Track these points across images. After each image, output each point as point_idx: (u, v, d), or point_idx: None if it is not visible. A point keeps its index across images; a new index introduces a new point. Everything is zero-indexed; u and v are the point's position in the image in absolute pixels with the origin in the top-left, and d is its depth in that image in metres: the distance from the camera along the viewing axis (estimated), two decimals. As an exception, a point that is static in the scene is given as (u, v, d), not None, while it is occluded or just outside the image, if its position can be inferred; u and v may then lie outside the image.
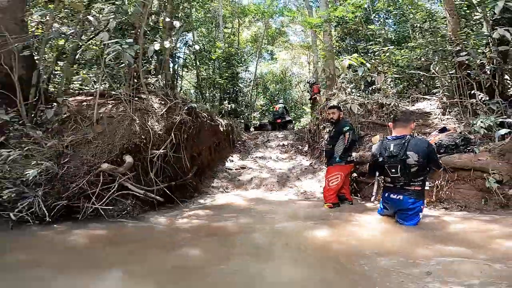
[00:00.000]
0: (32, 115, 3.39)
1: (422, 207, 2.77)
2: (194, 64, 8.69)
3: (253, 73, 13.92)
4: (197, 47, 7.18)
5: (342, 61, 4.39)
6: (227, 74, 9.33)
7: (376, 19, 9.16)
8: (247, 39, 15.56)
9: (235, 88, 10.71)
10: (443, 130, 4.20)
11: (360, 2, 7.00)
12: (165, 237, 2.79)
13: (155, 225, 3.22)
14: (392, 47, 5.96)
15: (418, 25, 7.32)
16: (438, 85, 5.05)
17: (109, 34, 3.50)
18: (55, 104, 3.61)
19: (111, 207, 3.31)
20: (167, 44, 4.01)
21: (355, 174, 4.43)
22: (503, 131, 3.42)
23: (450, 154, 3.62)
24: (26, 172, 2.75)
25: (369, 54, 6.23)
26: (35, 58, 3.77)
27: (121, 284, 1.73)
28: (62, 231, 2.83)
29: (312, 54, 14.04)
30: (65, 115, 3.48)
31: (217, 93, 10.30)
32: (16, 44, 3.27)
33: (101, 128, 3.41)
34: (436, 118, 4.92)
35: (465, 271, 1.67)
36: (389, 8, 9.19)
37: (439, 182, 3.56)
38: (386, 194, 2.88)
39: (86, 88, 4.46)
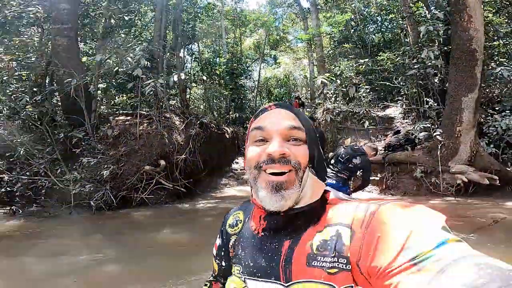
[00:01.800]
0: (94, 133, 5.12)
1: None
2: (201, 79, 10.37)
3: (257, 79, 15.51)
4: (205, 54, 8.75)
5: (316, 79, 5.93)
6: (231, 86, 10.93)
7: (367, 24, 10.56)
8: (250, 46, 17.16)
9: (239, 96, 12.33)
10: (397, 132, 5.66)
11: (341, 17, 8.42)
12: (191, 214, 4.46)
13: (182, 207, 4.91)
14: (367, 59, 7.39)
15: (405, 27, 8.69)
16: (402, 93, 6.46)
17: (142, 69, 5.20)
18: (108, 124, 5.35)
19: (151, 197, 5.01)
20: (182, 75, 5.69)
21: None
22: (422, 134, 4.86)
23: (395, 151, 5.09)
24: (102, 172, 4.47)
25: (351, 58, 7.59)
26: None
27: (176, 234, 3.38)
28: (125, 213, 4.54)
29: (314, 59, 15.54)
30: (117, 132, 5.20)
31: (223, 103, 11.96)
32: (77, 78, 5.00)
33: (143, 142, 5.11)
34: (398, 122, 6.36)
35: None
36: (379, 14, 10.57)
37: (386, 174, 5.04)
38: None
39: (123, 110, 6.19)
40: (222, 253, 0.72)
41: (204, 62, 9.58)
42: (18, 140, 4.39)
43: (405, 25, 8.85)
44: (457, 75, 4.57)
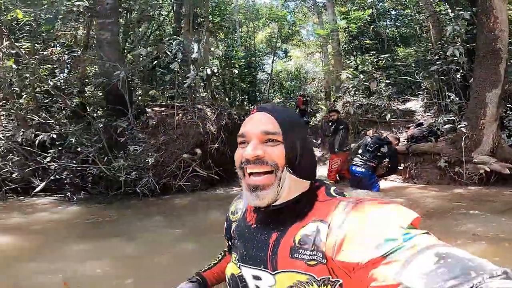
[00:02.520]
0: (136, 123, 5.47)
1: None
2: (220, 72, 10.66)
3: (269, 72, 15.74)
4: (219, 52, 9.02)
5: (340, 75, 6.22)
6: (248, 79, 11.23)
7: (381, 19, 10.73)
8: (262, 40, 17.32)
9: (254, 89, 12.63)
10: (419, 125, 5.98)
11: (362, 14, 8.63)
12: (229, 199, 4.83)
13: (218, 194, 5.28)
14: (387, 55, 7.65)
15: (423, 24, 8.89)
16: (423, 87, 6.74)
17: (178, 63, 5.51)
18: (146, 114, 5.69)
19: (188, 184, 5.37)
20: (214, 69, 5.99)
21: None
22: (447, 126, 5.17)
23: (419, 143, 5.41)
24: (147, 160, 4.83)
25: (372, 53, 7.85)
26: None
27: (212, 216, 3.72)
28: (168, 198, 4.92)
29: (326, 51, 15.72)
30: (155, 122, 5.54)
31: (238, 95, 12.27)
32: (125, 71, 5.32)
33: (180, 131, 5.46)
34: (419, 115, 6.66)
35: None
36: (395, 8, 10.73)
37: (410, 164, 5.37)
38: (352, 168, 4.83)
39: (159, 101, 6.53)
40: (227, 236, 0.83)
41: (222, 55, 9.85)
42: (70, 130, 4.73)
43: (422, 21, 9.07)
44: (482, 72, 4.84)
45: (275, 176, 0.62)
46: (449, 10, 6.39)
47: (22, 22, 5.42)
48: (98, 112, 5.39)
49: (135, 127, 5.36)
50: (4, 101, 4.81)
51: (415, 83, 7.14)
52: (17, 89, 4.54)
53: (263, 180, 0.62)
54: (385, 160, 4.91)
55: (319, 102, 16.27)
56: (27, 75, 4.50)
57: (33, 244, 2.68)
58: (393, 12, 11.52)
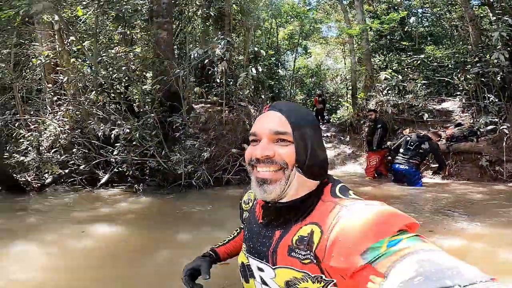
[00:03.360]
0: (187, 119, 5.86)
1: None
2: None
3: (290, 69, 15.97)
4: (263, 52, 9.24)
5: (379, 75, 6.47)
6: (276, 77, 11.53)
7: (412, 18, 10.84)
8: (283, 37, 17.51)
9: (278, 86, 12.92)
10: (458, 125, 6.20)
11: (396, 15, 8.80)
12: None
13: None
14: (423, 56, 7.84)
15: (454, 23, 9.00)
16: (460, 88, 6.93)
17: (226, 62, 5.85)
18: (194, 111, 6.07)
19: (236, 177, 5.75)
20: (260, 69, 6.32)
21: (390, 158, 6.58)
22: (489, 127, 5.40)
23: (459, 142, 5.65)
24: (203, 154, 5.22)
25: (402, 53, 8.05)
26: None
27: None
28: (220, 190, 5.30)
29: (347, 49, 15.81)
30: (205, 119, 5.93)
31: (268, 93, 12.60)
32: (185, 69, 5.70)
33: (228, 127, 5.83)
34: (457, 115, 6.87)
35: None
36: (425, 7, 10.82)
37: (450, 162, 5.63)
38: (395, 166, 5.10)
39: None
40: (242, 219, 0.90)
41: (251, 53, 10.15)
42: (135, 125, 5.15)
43: (453, 20, 9.16)
44: (526, 74, 5.05)
45: (284, 173, 0.64)
46: (490, 15, 6.54)
47: (81, 20, 5.85)
48: (154, 108, 5.77)
49: (188, 122, 5.74)
50: (73, 97, 5.26)
51: (451, 84, 7.33)
52: (90, 85, 4.97)
53: (271, 174, 0.64)
54: (426, 156, 5.19)
55: (340, 99, 16.49)
56: (104, 72, 4.92)
57: (142, 233, 2.93)
58: (419, 10, 11.61)
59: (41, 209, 3.92)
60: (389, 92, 7.96)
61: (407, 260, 0.42)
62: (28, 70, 6.24)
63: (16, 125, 5.98)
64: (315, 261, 0.58)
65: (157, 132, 5.48)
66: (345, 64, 16.96)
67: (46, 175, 5.25)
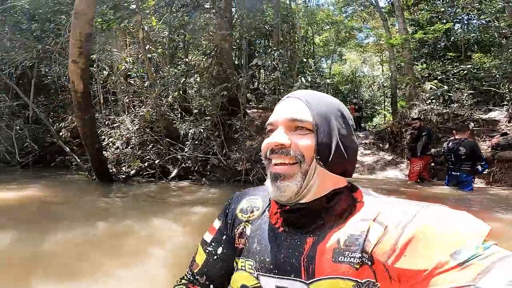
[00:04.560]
0: (244, 122, 6.71)
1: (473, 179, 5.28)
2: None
3: (325, 76, 16.56)
4: (311, 62, 9.99)
5: (424, 86, 6.94)
6: (316, 84, 12.23)
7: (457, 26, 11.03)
8: (319, 44, 18.18)
9: (315, 93, 13.58)
10: (504, 134, 6.50)
11: (442, 27, 9.14)
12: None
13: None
14: (470, 66, 8.14)
15: (503, 31, 9.15)
16: (508, 98, 7.17)
17: (280, 72, 6.65)
18: (247, 115, 6.92)
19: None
20: (309, 78, 7.06)
21: (433, 164, 6.99)
22: None
23: (504, 151, 5.98)
24: (259, 154, 6.03)
25: (447, 61, 8.32)
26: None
27: None
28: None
29: (385, 56, 16.13)
30: (258, 123, 6.75)
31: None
32: (245, 78, 6.59)
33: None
34: (503, 125, 7.13)
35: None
36: (471, 14, 10.97)
37: (494, 169, 5.95)
38: (449, 172, 5.51)
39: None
40: (222, 239, 0.69)
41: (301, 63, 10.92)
42: (202, 126, 6.08)
43: (504, 31, 9.30)
44: None
45: (300, 167, 0.56)
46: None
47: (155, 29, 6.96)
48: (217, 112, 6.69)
49: (245, 125, 6.60)
50: (154, 99, 6.31)
51: (498, 93, 7.58)
52: (169, 90, 6.00)
53: (284, 169, 0.57)
54: (476, 159, 5.57)
55: (376, 106, 16.75)
56: (183, 78, 5.94)
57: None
58: (465, 17, 11.74)
59: (140, 195, 4.92)
60: (433, 101, 8.32)
61: (509, 261, 0.41)
62: (108, 75, 7.47)
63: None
64: (369, 263, 0.50)
65: (219, 133, 6.38)
66: (382, 71, 17.21)
67: (126, 167, 6.33)
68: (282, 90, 6.91)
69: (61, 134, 6.24)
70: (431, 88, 7.27)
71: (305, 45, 16.05)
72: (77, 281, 1.86)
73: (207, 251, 0.70)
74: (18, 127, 7.23)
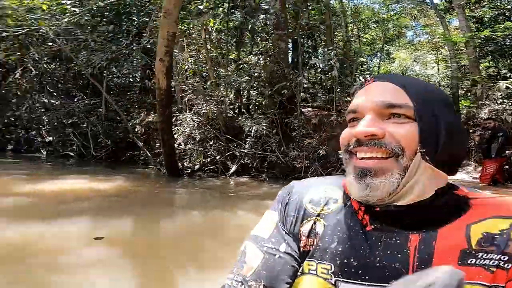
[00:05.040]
0: (301, 120, 6.80)
1: None
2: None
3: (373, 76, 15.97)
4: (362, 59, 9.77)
5: (498, 85, 6.44)
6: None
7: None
8: (364, 42, 17.64)
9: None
10: None
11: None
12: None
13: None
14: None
15: None
16: None
17: (337, 71, 6.62)
18: (303, 114, 6.99)
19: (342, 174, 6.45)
20: (367, 77, 6.95)
21: (507, 166, 6.47)
22: None
23: None
24: (318, 152, 6.07)
25: None
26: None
27: None
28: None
29: (440, 54, 15.16)
30: (315, 121, 6.79)
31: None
32: (300, 77, 6.70)
33: (339, 130, 6.60)
34: None
35: None
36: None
37: None
38: None
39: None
40: (284, 235, 0.55)
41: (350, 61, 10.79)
42: (264, 125, 6.28)
43: None
44: None
45: (396, 162, 0.46)
46: None
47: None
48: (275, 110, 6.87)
49: (302, 123, 6.69)
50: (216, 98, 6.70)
51: None
52: (232, 88, 6.33)
53: (376, 163, 0.46)
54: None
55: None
56: (246, 77, 6.25)
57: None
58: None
59: (213, 188, 5.25)
60: (504, 100, 7.67)
61: None
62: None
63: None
64: (506, 265, 0.42)
65: (277, 131, 6.54)
66: (438, 70, 16.19)
67: (188, 163, 6.76)
68: (338, 90, 6.89)
69: (136, 130, 6.85)
70: (507, 87, 6.72)
71: (352, 44, 15.68)
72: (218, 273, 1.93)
73: (264, 249, 0.53)
74: (92, 124, 8.08)
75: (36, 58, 8.57)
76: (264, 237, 0.55)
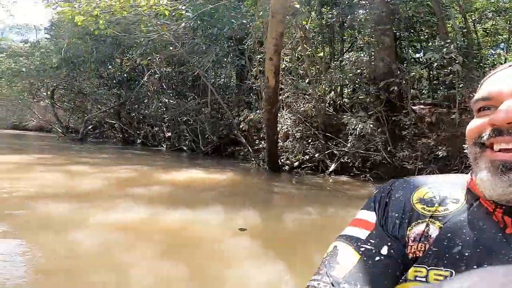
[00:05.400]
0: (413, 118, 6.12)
1: None
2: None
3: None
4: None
5: None
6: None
7: None
8: (482, 33, 14.68)
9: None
10: None
11: None
12: None
13: None
14: None
15: None
16: None
17: (460, 66, 5.64)
18: (415, 111, 6.25)
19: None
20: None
21: None
22: None
23: None
24: (437, 153, 5.34)
25: None
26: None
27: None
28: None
29: None
30: (431, 120, 5.99)
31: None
32: (406, 73, 6.04)
33: (462, 129, 5.67)
34: None
35: None
36: None
37: None
38: None
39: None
40: (385, 236, 0.49)
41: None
42: (370, 123, 5.92)
43: None
44: None
45: None
46: None
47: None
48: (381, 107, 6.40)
49: (413, 122, 6.01)
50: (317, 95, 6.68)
51: None
52: (334, 86, 6.21)
53: None
54: None
55: None
56: (350, 74, 6.08)
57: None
58: None
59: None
60: None
61: None
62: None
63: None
64: None
65: (383, 129, 6.06)
66: None
67: (285, 159, 6.94)
68: (461, 85, 5.92)
69: (241, 127, 7.43)
70: None
71: (465, 35, 13.21)
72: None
73: (362, 250, 0.49)
74: (200, 122, 9.12)
75: (157, 62, 10.15)
76: (360, 237, 0.50)
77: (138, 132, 11.35)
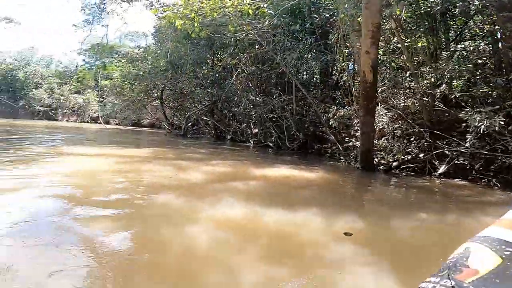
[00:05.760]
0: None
1: None
2: None
3: None
4: None
5: None
6: None
7: None
8: None
9: None
10: None
11: None
12: None
13: None
14: None
15: None
16: None
17: None
18: None
19: None
20: None
21: None
22: None
23: None
24: None
25: None
26: None
27: None
28: None
29: None
30: None
31: None
32: None
33: None
34: None
35: None
36: None
37: None
38: None
39: None
40: None
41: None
42: (500, 120, 4.80)
43: None
44: None
45: None
46: None
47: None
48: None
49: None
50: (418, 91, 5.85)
51: None
52: (445, 79, 5.29)
53: None
54: None
55: None
56: (470, 66, 5.12)
57: None
58: None
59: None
60: None
61: None
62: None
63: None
64: None
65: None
66: None
67: (379, 159, 6.29)
68: None
69: (331, 123, 7.14)
70: None
71: None
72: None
73: (506, 254, 0.38)
74: (286, 119, 9.14)
75: (244, 61, 10.61)
76: (507, 240, 0.42)
77: (228, 128, 12.20)
